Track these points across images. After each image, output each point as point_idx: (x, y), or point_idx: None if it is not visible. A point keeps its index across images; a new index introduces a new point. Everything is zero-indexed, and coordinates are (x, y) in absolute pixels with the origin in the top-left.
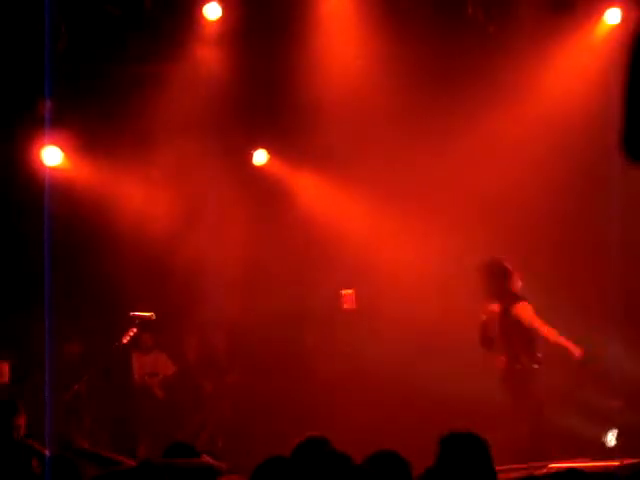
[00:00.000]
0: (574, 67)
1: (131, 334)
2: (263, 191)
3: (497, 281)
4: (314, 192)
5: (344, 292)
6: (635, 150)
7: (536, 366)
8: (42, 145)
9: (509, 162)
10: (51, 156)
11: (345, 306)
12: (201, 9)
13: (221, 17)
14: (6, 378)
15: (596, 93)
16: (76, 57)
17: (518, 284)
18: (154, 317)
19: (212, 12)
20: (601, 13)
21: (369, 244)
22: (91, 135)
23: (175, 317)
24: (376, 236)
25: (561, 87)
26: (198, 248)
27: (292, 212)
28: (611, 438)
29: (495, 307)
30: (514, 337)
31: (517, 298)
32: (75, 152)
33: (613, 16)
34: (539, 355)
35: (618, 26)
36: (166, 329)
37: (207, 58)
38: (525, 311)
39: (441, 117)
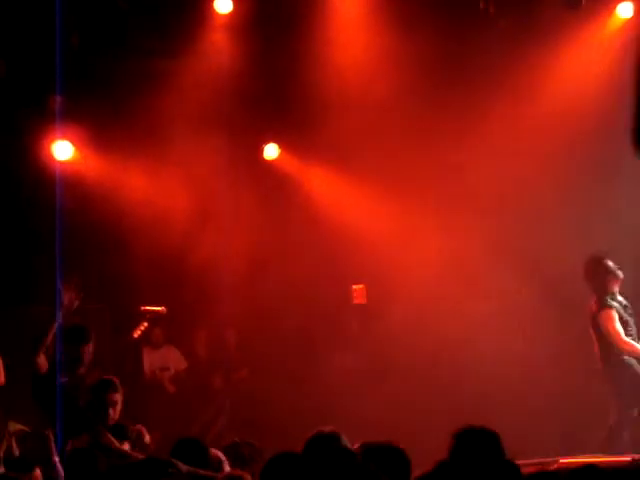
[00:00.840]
0: (586, 61)
1: (142, 328)
2: (274, 185)
3: (595, 278)
4: (325, 186)
5: (355, 287)
6: None
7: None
8: (53, 139)
9: (522, 158)
10: (62, 150)
11: (355, 301)
12: (212, 2)
13: (232, 11)
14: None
15: (609, 87)
16: (87, 52)
17: (615, 284)
18: (165, 311)
19: (223, 5)
20: (613, 7)
21: (382, 239)
22: (102, 129)
23: (186, 312)
24: (389, 231)
25: (573, 81)
26: (209, 243)
27: (303, 207)
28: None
29: (593, 306)
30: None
31: (604, 304)
32: (86, 146)
33: (625, 10)
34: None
35: (631, 20)
36: (177, 324)
37: (218, 52)
38: (606, 322)
39: (452, 112)
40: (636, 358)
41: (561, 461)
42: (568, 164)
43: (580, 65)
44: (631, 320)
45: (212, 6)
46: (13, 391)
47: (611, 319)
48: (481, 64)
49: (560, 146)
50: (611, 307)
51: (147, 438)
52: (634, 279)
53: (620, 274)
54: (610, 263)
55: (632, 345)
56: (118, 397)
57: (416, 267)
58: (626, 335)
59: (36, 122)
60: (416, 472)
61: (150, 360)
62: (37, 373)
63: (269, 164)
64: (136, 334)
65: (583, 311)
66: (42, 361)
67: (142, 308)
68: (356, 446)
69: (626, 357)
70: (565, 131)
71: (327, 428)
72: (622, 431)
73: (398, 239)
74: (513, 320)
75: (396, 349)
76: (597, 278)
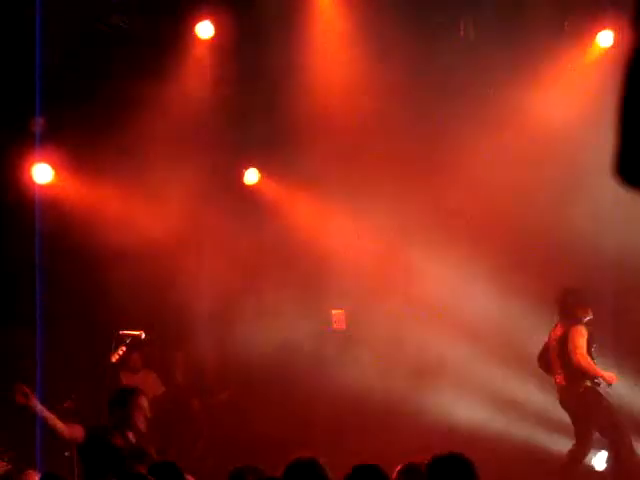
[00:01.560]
0: (567, 89)
1: (120, 353)
2: (254, 210)
3: (568, 305)
4: (305, 211)
5: (334, 312)
6: (629, 175)
7: (598, 386)
8: (33, 162)
9: (502, 187)
10: (42, 173)
11: (335, 326)
12: (193, 28)
13: (213, 35)
14: None
15: (589, 114)
16: (67, 74)
17: (587, 314)
18: (143, 336)
19: (205, 31)
20: (593, 36)
21: (362, 265)
22: (82, 152)
23: (164, 336)
24: (369, 257)
25: (555, 109)
26: (188, 266)
27: (283, 231)
28: (599, 461)
29: (559, 330)
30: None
31: (577, 322)
32: (65, 169)
33: (606, 38)
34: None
35: (611, 48)
36: (155, 348)
37: (199, 76)
38: (575, 334)
39: (434, 139)
40: (590, 378)
41: None
42: (549, 193)
43: (561, 92)
44: (593, 348)
45: (193, 31)
46: None
47: (581, 334)
48: (461, 91)
49: (541, 175)
50: (582, 324)
51: None
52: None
53: (589, 305)
54: (581, 294)
55: (590, 363)
56: None
57: (396, 293)
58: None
59: (16, 144)
60: None
61: (128, 384)
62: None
63: (249, 188)
64: (114, 358)
65: None
66: (72, 433)
67: (120, 332)
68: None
69: (589, 386)
70: (546, 159)
71: (306, 454)
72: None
73: (379, 265)
74: (496, 346)
75: (375, 374)
76: (567, 306)
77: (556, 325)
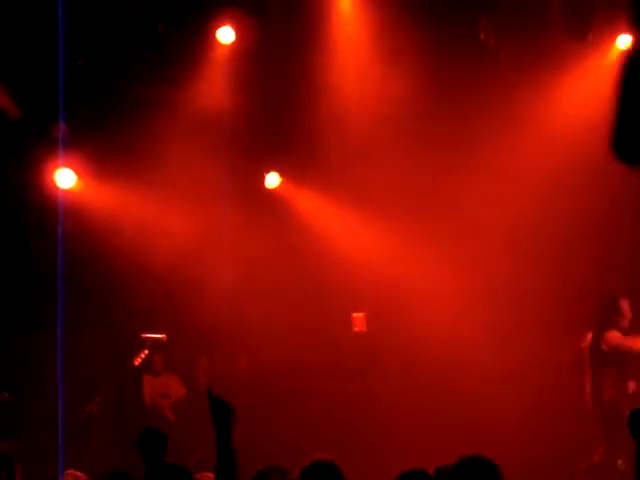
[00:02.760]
0: (587, 92)
1: (142, 356)
2: (275, 214)
3: (605, 312)
4: (326, 215)
5: (354, 315)
6: (625, 153)
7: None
8: (55, 167)
9: (523, 190)
10: (65, 178)
11: (355, 329)
12: (214, 32)
13: (234, 40)
14: None
15: (610, 117)
16: (89, 80)
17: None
18: (166, 339)
19: (226, 36)
20: (614, 39)
21: (383, 267)
22: (104, 157)
23: (186, 339)
24: (390, 259)
25: (574, 112)
26: (210, 270)
27: (304, 233)
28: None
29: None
30: (602, 366)
31: (606, 328)
32: (88, 174)
33: (625, 42)
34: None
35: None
36: (177, 351)
37: (220, 80)
38: (615, 337)
39: (455, 143)
40: None
41: None
42: (571, 194)
43: (581, 96)
44: None
45: (214, 35)
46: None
47: (617, 336)
48: (482, 96)
49: (562, 177)
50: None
51: None
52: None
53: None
54: (624, 305)
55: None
56: None
57: (418, 296)
58: None
59: (39, 150)
60: None
61: (150, 388)
62: None
63: (270, 192)
64: (137, 361)
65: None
66: None
67: (143, 335)
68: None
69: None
70: (567, 162)
71: (324, 457)
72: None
73: (400, 267)
74: (516, 346)
75: (398, 377)
76: (606, 315)
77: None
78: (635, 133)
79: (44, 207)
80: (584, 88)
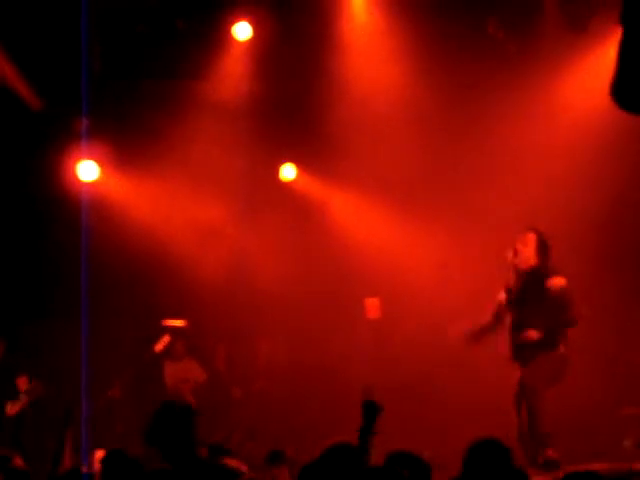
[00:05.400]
0: (593, 83)
1: (164, 342)
2: (292, 205)
3: None
4: (342, 205)
5: (368, 301)
6: (625, 99)
7: None
8: (78, 160)
9: (533, 175)
10: (88, 171)
11: (369, 315)
12: (232, 28)
13: (251, 35)
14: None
15: (615, 108)
16: (110, 75)
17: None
18: (186, 325)
19: (242, 32)
20: (613, 28)
21: (397, 255)
22: (126, 150)
23: (205, 325)
24: (404, 247)
25: (580, 104)
26: (229, 259)
27: (320, 223)
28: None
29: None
30: None
31: None
32: (110, 166)
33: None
34: None
35: None
36: (197, 337)
37: (237, 74)
38: None
39: (468, 130)
40: None
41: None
42: (577, 185)
43: (587, 87)
44: None
45: (232, 31)
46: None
47: None
48: (490, 88)
49: (568, 167)
50: None
51: None
52: None
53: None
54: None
55: None
56: None
57: (430, 282)
58: None
59: (63, 143)
60: None
61: (171, 373)
62: None
63: (287, 184)
64: (158, 347)
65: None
66: None
67: (164, 322)
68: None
69: None
70: (572, 151)
71: (342, 439)
72: None
73: (413, 255)
74: None
75: (411, 362)
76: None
77: None
78: (636, 80)
79: (67, 199)
80: (590, 78)
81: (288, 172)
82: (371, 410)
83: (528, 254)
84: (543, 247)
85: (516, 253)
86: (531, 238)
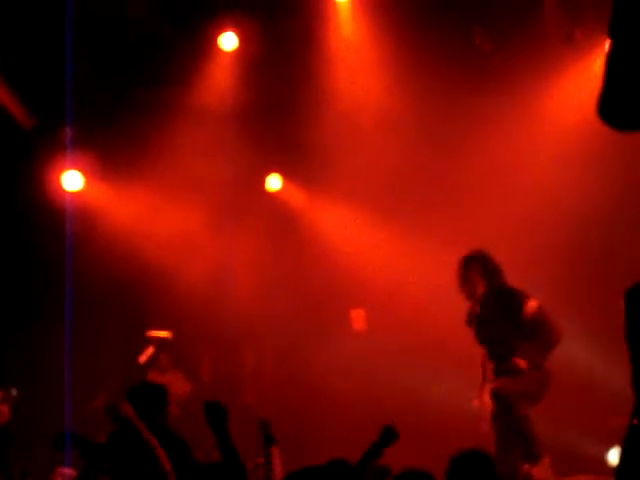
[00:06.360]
0: (580, 95)
1: (148, 353)
2: (277, 215)
3: None
4: (328, 217)
5: (353, 312)
6: (611, 115)
7: None
8: (63, 170)
9: (517, 186)
10: (72, 181)
11: (355, 327)
12: (218, 36)
13: (237, 46)
14: (6, 418)
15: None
16: (95, 83)
17: None
18: (171, 337)
19: (228, 42)
20: (601, 41)
21: (383, 266)
22: (111, 159)
23: (191, 336)
24: (390, 259)
25: (568, 116)
26: (214, 269)
27: (305, 235)
28: (613, 456)
29: None
30: None
31: None
32: (96, 176)
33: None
34: None
35: None
36: (182, 348)
37: (223, 84)
38: None
39: (452, 141)
40: None
41: None
42: (567, 197)
43: (574, 100)
44: None
45: (218, 40)
46: None
47: None
48: (475, 100)
49: (556, 179)
50: None
51: None
52: None
53: None
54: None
55: None
56: None
57: (416, 294)
58: None
59: (47, 153)
60: None
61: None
62: None
63: (272, 194)
64: (142, 359)
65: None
66: None
67: (148, 333)
68: None
69: None
70: (558, 164)
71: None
72: None
73: (399, 266)
74: None
75: (395, 372)
76: None
77: None
78: (623, 96)
79: (52, 209)
80: (576, 91)
81: (274, 182)
82: (389, 435)
83: (475, 284)
84: (488, 269)
85: (463, 289)
86: (474, 268)
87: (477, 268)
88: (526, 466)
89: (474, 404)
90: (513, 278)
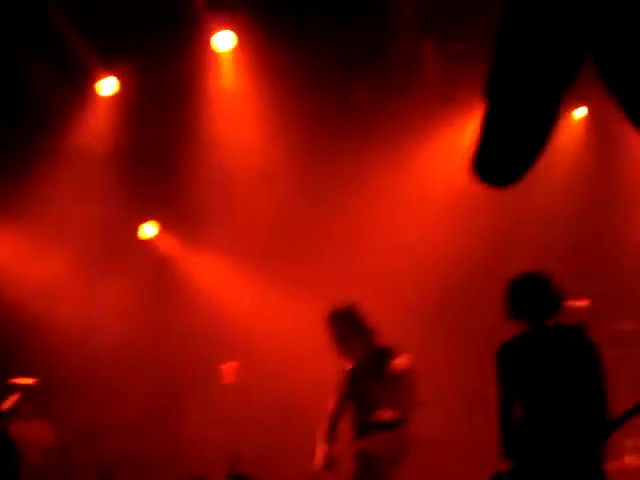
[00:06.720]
0: (453, 155)
1: (11, 401)
2: (150, 263)
3: None
4: (201, 266)
5: (224, 366)
6: (485, 173)
7: None
8: None
9: (390, 240)
10: None
11: (225, 380)
12: (95, 84)
13: (116, 92)
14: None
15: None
16: None
17: None
18: (35, 384)
19: (107, 87)
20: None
21: (257, 317)
22: None
23: (57, 382)
24: (266, 310)
25: (439, 174)
26: (83, 316)
27: (177, 284)
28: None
29: None
30: None
31: None
32: None
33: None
34: None
35: None
36: (48, 395)
37: (101, 129)
38: None
39: (328, 197)
40: None
41: None
42: (438, 252)
43: (449, 158)
44: None
45: (94, 86)
46: None
47: None
48: (354, 154)
49: (428, 234)
50: None
51: None
52: None
53: None
54: None
55: None
56: None
57: (289, 344)
58: None
59: None
60: None
61: (19, 433)
62: None
63: (146, 242)
64: (4, 406)
65: None
66: None
67: (12, 380)
68: None
69: None
70: (426, 224)
71: None
72: None
73: (272, 317)
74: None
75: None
76: None
77: None
78: (497, 154)
79: None
80: (452, 146)
81: (148, 230)
82: None
83: (349, 341)
84: (359, 324)
85: (338, 347)
86: (346, 323)
87: (351, 324)
88: None
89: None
90: (386, 332)
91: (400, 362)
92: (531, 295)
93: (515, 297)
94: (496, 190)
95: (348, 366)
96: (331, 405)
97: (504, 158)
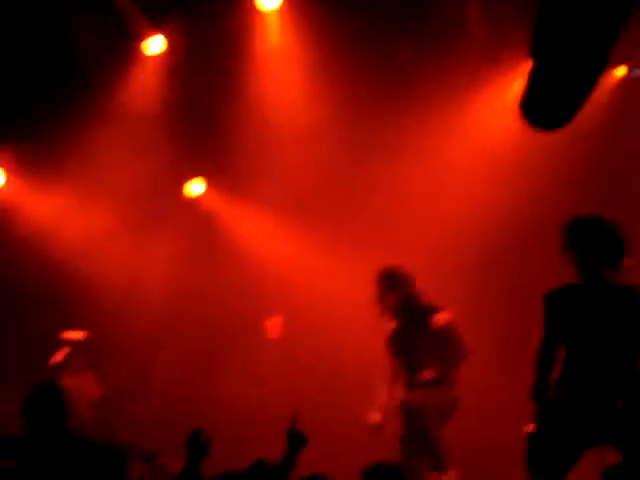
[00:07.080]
0: (501, 110)
1: (61, 355)
2: (196, 219)
3: None
4: (248, 224)
5: (269, 320)
6: (533, 115)
7: None
8: None
9: (439, 199)
10: None
11: (270, 335)
12: (141, 44)
13: (165, 50)
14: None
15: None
16: (19, 80)
17: None
18: (85, 338)
19: (154, 46)
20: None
21: (300, 274)
22: (32, 158)
23: (105, 338)
24: (312, 266)
25: (485, 133)
26: (130, 273)
27: (224, 241)
28: None
29: None
30: None
31: None
32: (16, 174)
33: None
34: None
35: None
36: (96, 350)
37: (147, 88)
38: None
39: (375, 155)
40: None
41: None
42: (485, 211)
43: (495, 117)
44: None
45: (141, 46)
46: None
47: None
48: (400, 113)
49: (476, 193)
50: None
51: None
52: None
53: None
54: None
55: None
56: None
57: (336, 302)
58: None
59: None
60: None
61: (68, 387)
62: None
63: (193, 199)
64: (55, 360)
65: None
66: None
67: (62, 334)
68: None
69: None
70: (480, 178)
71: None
72: None
73: (320, 275)
74: None
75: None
76: None
77: None
78: (545, 97)
79: None
80: (498, 106)
81: (195, 187)
82: (296, 441)
83: (389, 300)
84: (401, 284)
85: (379, 304)
86: (388, 283)
87: (391, 284)
88: (434, 476)
89: (370, 420)
90: (431, 289)
91: (442, 317)
92: (597, 239)
93: (579, 237)
94: (544, 132)
95: (392, 324)
96: (381, 362)
97: (551, 102)
